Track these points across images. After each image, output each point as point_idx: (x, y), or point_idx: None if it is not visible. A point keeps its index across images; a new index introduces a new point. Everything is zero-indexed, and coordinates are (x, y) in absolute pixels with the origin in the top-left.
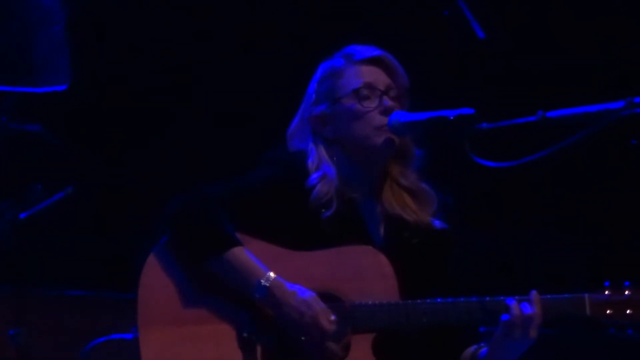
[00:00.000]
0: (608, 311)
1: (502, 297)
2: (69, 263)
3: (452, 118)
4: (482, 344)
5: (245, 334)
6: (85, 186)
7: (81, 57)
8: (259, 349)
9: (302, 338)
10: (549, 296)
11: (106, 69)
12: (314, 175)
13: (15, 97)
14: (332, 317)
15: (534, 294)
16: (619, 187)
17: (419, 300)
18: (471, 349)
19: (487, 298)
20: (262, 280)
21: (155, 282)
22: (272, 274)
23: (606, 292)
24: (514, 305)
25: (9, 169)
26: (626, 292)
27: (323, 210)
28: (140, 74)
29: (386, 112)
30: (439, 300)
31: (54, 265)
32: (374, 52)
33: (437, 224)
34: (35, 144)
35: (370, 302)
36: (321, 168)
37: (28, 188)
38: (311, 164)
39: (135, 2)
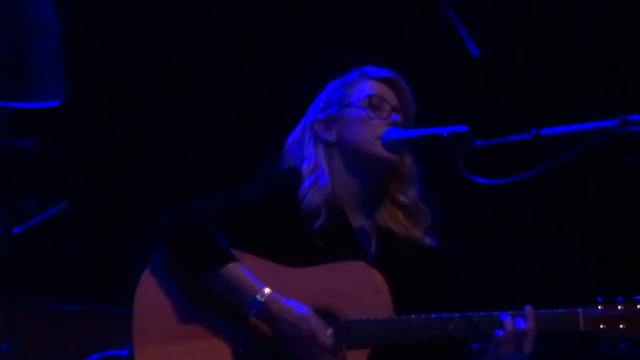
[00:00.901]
0: (601, 326)
1: (495, 312)
2: (62, 277)
3: (445, 135)
4: None
5: (240, 350)
6: (79, 201)
7: (75, 71)
8: None
9: (300, 354)
10: (542, 311)
11: (100, 83)
12: (306, 182)
13: (8, 112)
14: (329, 332)
15: (529, 308)
16: (612, 204)
17: (413, 316)
18: None
19: (482, 313)
20: (257, 296)
21: (150, 297)
22: (267, 290)
23: (599, 307)
24: (508, 321)
25: (2, 184)
26: (619, 307)
27: (313, 220)
28: (135, 89)
29: (392, 125)
30: (433, 315)
31: (48, 279)
32: (388, 73)
33: (428, 240)
34: (29, 158)
35: (364, 318)
36: (315, 173)
37: (22, 202)
38: (306, 168)
39: (130, 15)
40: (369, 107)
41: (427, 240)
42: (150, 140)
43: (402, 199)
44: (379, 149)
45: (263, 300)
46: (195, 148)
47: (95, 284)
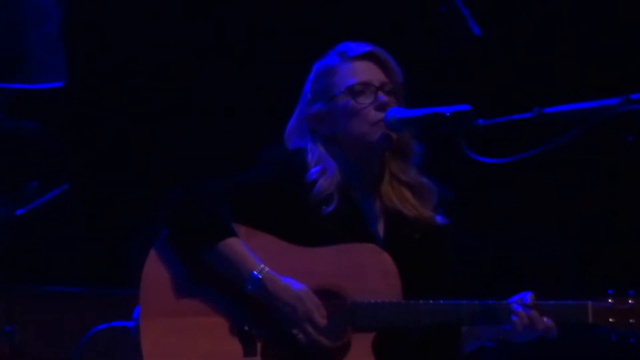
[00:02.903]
0: (610, 319)
1: (504, 301)
2: (63, 260)
3: (448, 114)
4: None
5: (246, 327)
6: (80, 184)
7: (76, 54)
8: (259, 342)
9: (294, 331)
10: (551, 302)
11: (101, 66)
12: (314, 170)
13: (10, 94)
14: (324, 312)
15: (531, 296)
16: (615, 184)
17: (421, 301)
18: None
19: (490, 301)
20: (254, 272)
21: (156, 274)
22: (264, 267)
23: (609, 300)
24: (520, 311)
25: (4, 166)
26: (629, 301)
27: (323, 206)
28: (136, 71)
29: (381, 107)
30: (441, 301)
31: (49, 262)
32: (366, 47)
33: (439, 219)
34: (31, 141)
35: (372, 301)
36: (321, 163)
37: (24, 185)
38: (310, 160)
39: (131, 1)
40: (352, 96)
41: (438, 219)
42: (152, 122)
43: (406, 177)
44: (374, 137)
45: (260, 277)
46: (197, 132)
47: (97, 266)
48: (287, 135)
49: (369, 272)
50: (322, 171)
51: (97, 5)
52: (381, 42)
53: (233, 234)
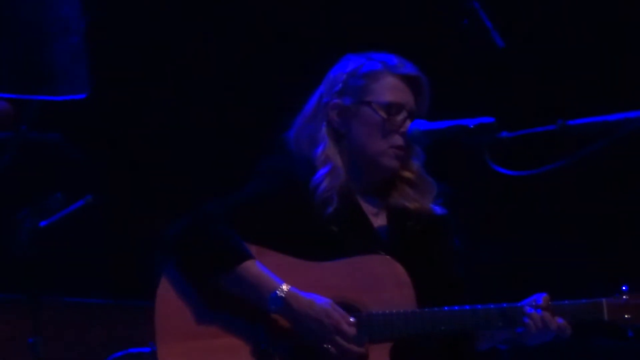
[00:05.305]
0: (626, 315)
1: (519, 304)
2: (89, 271)
3: (472, 127)
4: None
5: (262, 347)
6: (104, 195)
7: (100, 66)
8: None
9: (325, 346)
10: (566, 301)
11: (125, 77)
12: (321, 171)
13: (34, 105)
14: (352, 320)
15: (544, 297)
16: (637, 195)
17: (436, 308)
18: None
19: (505, 305)
20: (277, 292)
21: (170, 297)
22: (286, 286)
23: (624, 297)
24: (533, 313)
25: (28, 178)
26: None
27: (326, 206)
28: (161, 82)
29: (403, 133)
30: (456, 308)
31: (74, 273)
32: (412, 70)
33: (438, 209)
34: (55, 152)
35: (387, 311)
36: (329, 162)
37: (48, 196)
38: (319, 157)
39: (157, 12)
40: (386, 114)
41: (437, 210)
42: (176, 134)
43: (407, 174)
44: (387, 160)
45: (282, 295)
46: (220, 143)
47: (121, 278)
48: (302, 115)
49: (383, 283)
50: (330, 172)
51: (121, 16)
52: (404, 52)
53: (249, 256)
